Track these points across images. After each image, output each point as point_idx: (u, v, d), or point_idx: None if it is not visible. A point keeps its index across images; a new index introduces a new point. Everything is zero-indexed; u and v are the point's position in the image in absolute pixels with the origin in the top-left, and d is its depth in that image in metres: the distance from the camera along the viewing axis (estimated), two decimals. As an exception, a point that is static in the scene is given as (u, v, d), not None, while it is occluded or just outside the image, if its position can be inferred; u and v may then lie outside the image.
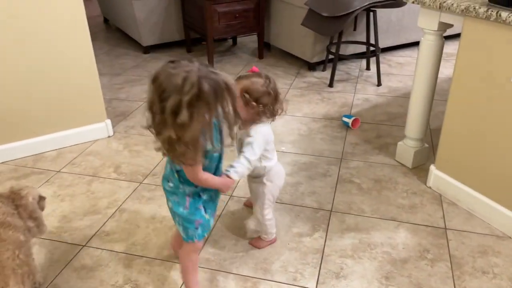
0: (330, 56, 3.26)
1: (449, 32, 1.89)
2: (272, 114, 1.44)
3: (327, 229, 1.76)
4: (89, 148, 2.38)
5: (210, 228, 1.41)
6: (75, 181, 2.09)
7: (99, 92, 2.40)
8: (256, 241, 1.69)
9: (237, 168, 1.37)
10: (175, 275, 1.56)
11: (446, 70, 3.13)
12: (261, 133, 1.43)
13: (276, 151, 1.58)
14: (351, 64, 3.57)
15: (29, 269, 1.33)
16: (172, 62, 1.08)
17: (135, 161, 2.25)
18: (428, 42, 1.88)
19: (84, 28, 2.21)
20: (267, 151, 1.49)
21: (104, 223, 1.82)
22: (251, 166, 1.40)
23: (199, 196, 1.33)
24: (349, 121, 2.53)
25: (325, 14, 2.97)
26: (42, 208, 1.48)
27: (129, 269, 1.58)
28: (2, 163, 2.24)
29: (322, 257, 1.63)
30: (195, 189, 1.31)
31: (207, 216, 1.36)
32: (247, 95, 1.38)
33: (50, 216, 1.84)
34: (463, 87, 1.74)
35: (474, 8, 1.58)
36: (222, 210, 1.88)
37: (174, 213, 1.36)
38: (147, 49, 3.88)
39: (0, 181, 2.09)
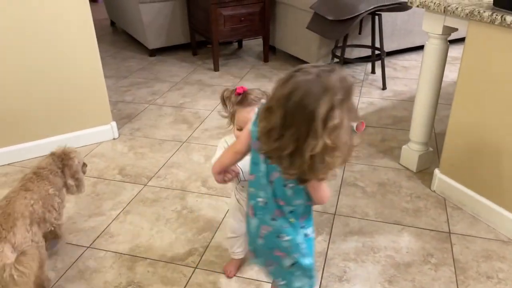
0: (335, 60, 3.26)
1: (454, 36, 1.88)
2: None
3: (331, 233, 1.76)
4: (94, 150, 2.40)
5: None
6: (80, 183, 2.11)
7: (104, 94, 2.42)
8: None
9: None
10: (178, 277, 1.56)
11: (451, 74, 3.12)
12: None
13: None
14: (356, 67, 3.57)
15: (43, 220, 1.47)
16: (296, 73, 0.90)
17: (140, 163, 2.27)
18: (433, 46, 1.88)
19: (90, 30, 2.23)
20: None
21: (109, 224, 1.83)
22: None
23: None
24: (354, 124, 2.51)
25: (330, 18, 2.97)
26: (84, 172, 1.71)
27: (132, 271, 1.59)
28: (9, 164, 2.26)
29: (325, 260, 1.62)
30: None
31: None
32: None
33: (55, 217, 1.86)
34: (467, 91, 1.74)
35: (479, 12, 1.58)
36: (226, 213, 1.88)
37: (296, 270, 1.09)
38: (153, 52, 3.91)
39: (6, 182, 2.11)
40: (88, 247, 1.71)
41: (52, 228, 1.55)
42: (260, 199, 1.06)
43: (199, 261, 1.63)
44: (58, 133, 2.35)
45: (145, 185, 2.09)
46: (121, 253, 1.68)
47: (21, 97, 2.18)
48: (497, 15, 1.52)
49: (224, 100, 1.30)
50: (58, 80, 2.24)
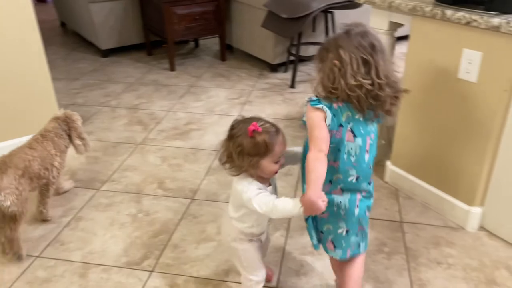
0: (291, 58, 3.29)
1: (406, 32, 1.94)
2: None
3: (288, 228, 1.77)
4: (44, 155, 2.30)
5: None
6: (29, 190, 2.02)
7: (52, 98, 2.32)
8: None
9: None
10: (134, 282, 1.52)
11: (402, 70, 3.22)
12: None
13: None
14: (312, 65, 3.60)
15: (39, 176, 1.66)
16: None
17: (93, 168, 2.19)
18: (380, 41, 1.93)
19: (34, 32, 2.13)
20: None
21: (59, 232, 1.76)
22: None
23: None
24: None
25: (284, 16, 2.99)
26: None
27: (85, 278, 1.54)
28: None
29: (283, 255, 1.63)
30: None
31: None
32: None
33: None
34: (413, 84, 1.79)
35: (421, 7, 1.63)
36: (183, 214, 1.86)
37: (364, 219, 1.24)
38: (106, 53, 3.80)
39: None
40: (37, 256, 1.64)
41: (46, 181, 1.72)
42: (350, 178, 1.17)
43: (155, 264, 1.60)
44: (4, 139, 2.23)
45: (98, 189, 2.03)
46: (73, 261, 1.61)
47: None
48: (437, 10, 1.58)
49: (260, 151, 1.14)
50: (1, 85, 2.13)
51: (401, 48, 2.14)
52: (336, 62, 1.09)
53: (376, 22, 1.89)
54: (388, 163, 2.02)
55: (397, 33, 1.93)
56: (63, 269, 1.58)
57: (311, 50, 3.49)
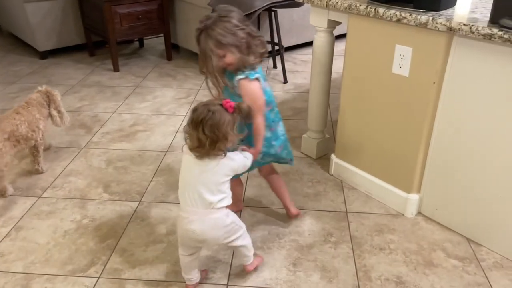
0: (237, 56, 3.30)
1: (344, 31, 2.01)
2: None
3: (238, 225, 1.79)
4: (-22, 164, 2.17)
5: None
6: (-38, 202, 1.90)
7: (-15, 103, 2.20)
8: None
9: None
10: (80, 289, 1.48)
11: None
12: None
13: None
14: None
15: (26, 138, 1.95)
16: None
17: (33, 174, 2.10)
18: (320, 39, 1.99)
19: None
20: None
21: (-2, 243, 1.67)
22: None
23: None
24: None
25: (228, 14, 3.00)
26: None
27: (27, 290, 1.47)
28: None
29: (233, 252, 1.65)
30: None
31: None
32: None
33: None
34: (352, 79, 1.87)
35: (356, 6, 1.70)
36: (131, 217, 1.82)
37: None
38: (45, 55, 3.63)
39: None
40: (-27, 271, 1.55)
41: (34, 142, 2.01)
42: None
43: (103, 270, 1.56)
44: None
45: (40, 197, 1.94)
46: (14, 272, 1.54)
47: None
48: (371, 8, 1.66)
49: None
50: None
51: (341, 46, 2.21)
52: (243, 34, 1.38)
53: (315, 20, 1.95)
54: (333, 156, 2.09)
55: (338, 31, 2.00)
56: (3, 281, 1.50)
57: (257, 48, 3.53)
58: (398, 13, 1.58)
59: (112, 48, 3.35)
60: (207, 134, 1.24)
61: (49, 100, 2.09)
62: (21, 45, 3.93)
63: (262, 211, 1.87)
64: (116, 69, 3.42)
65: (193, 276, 1.46)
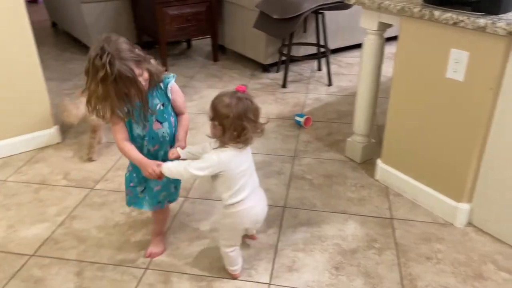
0: (283, 58, 3.32)
1: (395, 33, 1.98)
2: (234, 140, 1.31)
3: (281, 225, 1.80)
4: (37, 155, 2.30)
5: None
6: (22, 190, 2.02)
7: (45, 98, 2.33)
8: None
9: (172, 166, 1.37)
10: (128, 279, 1.54)
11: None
12: (217, 158, 1.32)
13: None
14: (303, 65, 3.65)
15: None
16: None
17: (86, 167, 2.20)
18: (370, 42, 1.97)
19: (27, 32, 2.14)
20: (230, 185, 1.37)
21: (54, 231, 1.77)
22: (185, 175, 1.35)
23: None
24: (301, 120, 2.59)
25: (275, 17, 3.02)
26: None
27: (80, 276, 1.55)
28: None
29: (276, 252, 1.66)
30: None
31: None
32: (211, 113, 1.33)
33: (-5, 227, 1.78)
34: (402, 83, 1.83)
35: (409, 8, 1.67)
36: (177, 213, 1.88)
37: None
38: (98, 54, 3.79)
39: None
40: (32, 255, 1.64)
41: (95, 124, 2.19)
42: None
43: (150, 262, 1.61)
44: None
45: (92, 188, 2.04)
46: (67, 259, 1.62)
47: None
48: (425, 11, 1.62)
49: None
50: (-6, 84, 2.14)
51: (391, 49, 2.17)
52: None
53: (366, 22, 1.93)
54: (379, 161, 2.05)
55: (386, 33, 1.97)
56: (58, 267, 1.58)
57: (302, 51, 3.53)
58: (454, 16, 1.53)
59: (162, 49, 3.45)
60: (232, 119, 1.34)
61: None
62: (76, 44, 4.13)
63: (304, 213, 1.87)
64: (165, 69, 3.52)
65: (240, 263, 1.55)
